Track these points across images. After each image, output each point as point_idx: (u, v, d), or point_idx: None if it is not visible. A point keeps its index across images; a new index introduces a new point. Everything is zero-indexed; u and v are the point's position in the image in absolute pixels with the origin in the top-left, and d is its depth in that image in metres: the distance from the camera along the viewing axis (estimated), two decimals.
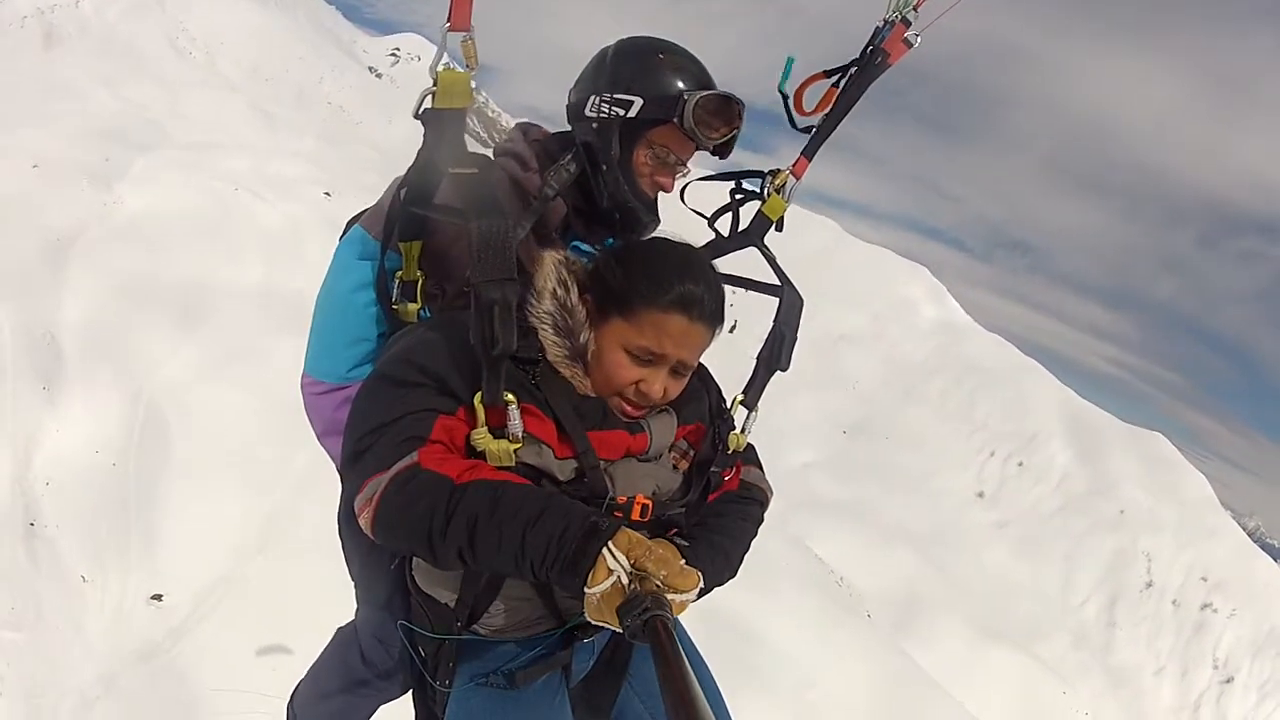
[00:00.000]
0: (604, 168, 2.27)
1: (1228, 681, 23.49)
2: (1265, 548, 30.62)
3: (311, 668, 3.15)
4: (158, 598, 7.08)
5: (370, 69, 32.74)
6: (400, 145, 16.73)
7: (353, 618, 2.88)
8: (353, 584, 2.70)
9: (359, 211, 2.39)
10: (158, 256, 9.88)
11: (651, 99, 2.23)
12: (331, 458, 2.43)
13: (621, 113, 2.23)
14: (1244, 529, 29.94)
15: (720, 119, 2.29)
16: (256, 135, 13.57)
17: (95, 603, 7.03)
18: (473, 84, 1.90)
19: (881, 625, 13.86)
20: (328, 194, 12.66)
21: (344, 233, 2.39)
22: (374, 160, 15.29)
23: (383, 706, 3.02)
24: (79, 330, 8.79)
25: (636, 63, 2.25)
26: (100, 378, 8.52)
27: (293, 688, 3.26)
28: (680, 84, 2.25)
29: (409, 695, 2.51)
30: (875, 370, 24.53)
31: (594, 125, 2.26)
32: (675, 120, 2.27)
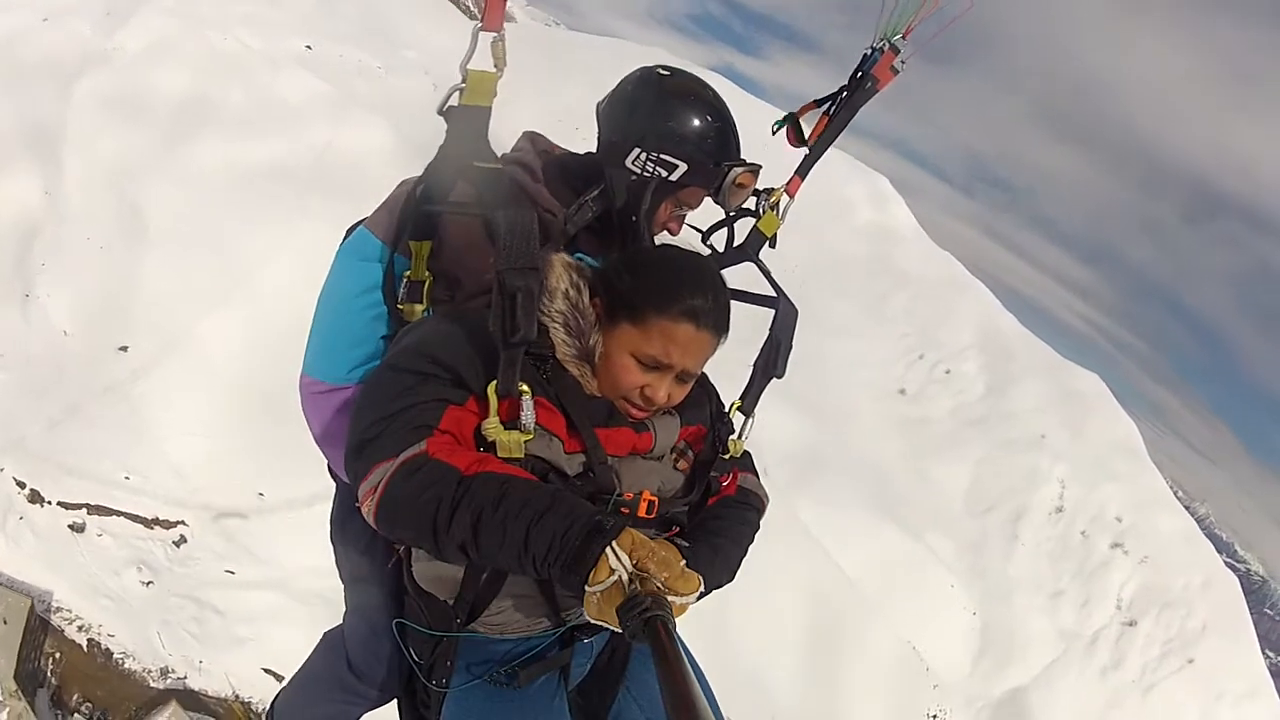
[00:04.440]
0: (633, 219, 2.30)
1: (1130, 624, 23.03)
2: (1212, 538, 29.06)
3: (295, 674, 3.15)
4: (123, 349, 8.53)
5: None
6: (385, 11, 17.51)
7: (340, 623, 2.90)
8: (342, 587, 2.78)
9: (361, 218, 2.39)
10: (150, 88, 11.10)
11: (697, 167, 2.27)
12: (328, 459, 2.49)
13: (665, 174, 2.26)
14: (1193, 514, 28.78)
15: (750, 186, 2.39)
16: None
17: (73, 352, 8.54)
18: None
19: (778, 481, 14.32)
20: (309, 47, 13.72)
21: (347, 234, 2.40)
22: (358, 20, 16.18)
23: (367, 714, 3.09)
24: (77, 141, 10.11)
25: (685, 125, 2.25)
26: (94, 181, 9.85)
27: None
28: (723, 155, 2.31)
29: (394, 703, 2.64)
30: (804, 261, 24.15)
31: (632, 178, 2.27)
32: (712, 191, 2.36)
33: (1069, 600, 24.42)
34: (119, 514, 7.34)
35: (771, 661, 9.94)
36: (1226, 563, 27.37)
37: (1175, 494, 28.02)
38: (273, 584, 7.39)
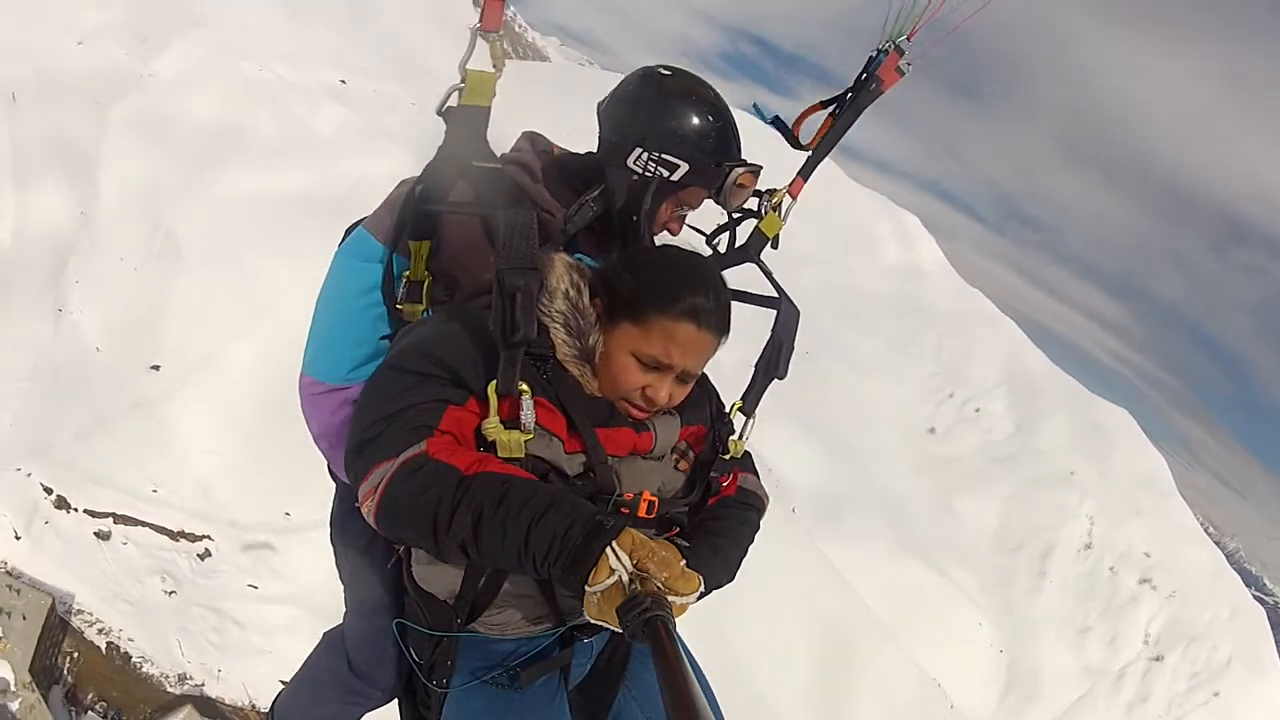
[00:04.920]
0: (634, 219, 2.28)
1: (1157, 659, 22.78)
2: (1241, 572, 28.79)
3: (296, 675, 3.15)
4: (156, 367, 8.70)
5: None
6: (419, 48, 17.82)
7: (339, 622, 2.90)
8: (342, 587, 2.77)
9: (360, 217, 2.41)
10: (184, 115, 11.37)
11: (698, 167, 2.26)
12: (326, 459, 2.50)
13: (666, 174, 2.24)
14: (1224, 549, 28.49)
15: (750, 187, 2.38)
16: (280, 25, 14.69)
17: (104, 368, 8.72)
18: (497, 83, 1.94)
19: (802, 519, 14.12)
20: (343, 81, 13.98)
21: (344, 236, 2.42)
22: (391, 56, 16.46)
23: (368, 715, 3.07)
24: (112, 163, 10.38)
25: (686, 124, 2.25)
26: (128, 203, 10.07)
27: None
28: (725, 155, 2.30)
29: (395, 703, 2.64)
30: (833, 298, 23.66)
31: (633, 178, 2.25)
32: (713, 191, 2.35)
33: (1096, 637, 24.25)
34: (145, 525, 7.46)
35: (787, 698, 9.86)
36: (1255, 596, 27.28)
37: (1206, 530, 27.86)
38: (294, 599, 7.46)
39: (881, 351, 26.00)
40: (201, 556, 7.53)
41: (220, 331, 9.01)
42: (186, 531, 7.58)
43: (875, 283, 27.68)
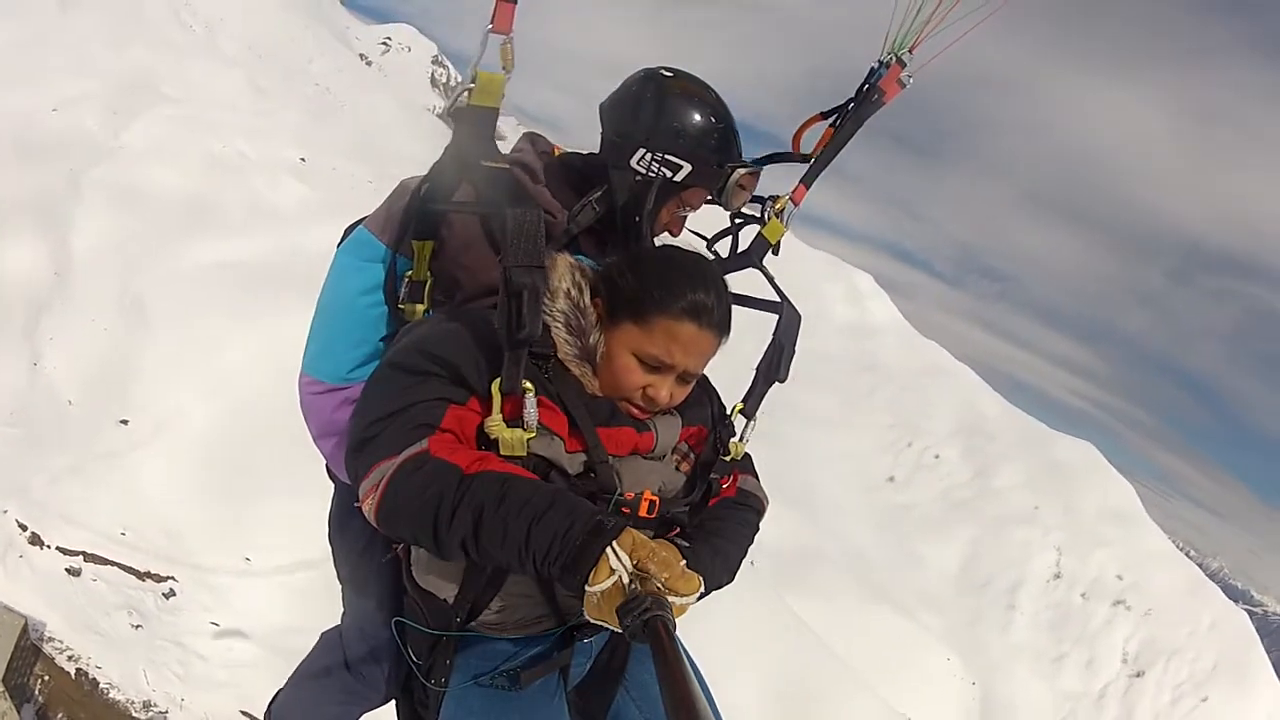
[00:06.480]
0: (636, 219, 2.27)
1: (1137, 675, 22.95)
2: (1227, 588, 29.53)
3: (293, 675, 3.09)
4: (124, 422, 9.13)
5: (361, 55, 32.11)
6: (378, 128, 18.31)
7: (337, 623, 2.87)
8: (340, 586, 2.75)
9: (361, 217, 2.38)
10: (153, 185, 11.98)
11: (701, 168, 2.25)
12: (326, 459, 2.46)
13: (669, 175, 2.24)
14: (1206, 570, 29.10)
15: (750, 189, 2.38)
16: (247, 103, 15.06)
17: (76, 420, 9.23)
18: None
19: (764, 573, 14.14)
20: (303, 159, 14.55)
21: (344, 236, 2.39)
22: (351, 136, 16.85)
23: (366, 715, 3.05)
24: (84, 228, 11.05)
25: (689, 125, 2.25)
26: (99, 266, 10.66)
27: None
28: (726, 155, 2.30)
29: (393, 703, 2.60)
30: (795, 359, 24.43)
31: (636, 178, 2.25)
32: (715, 191, 2.34)
33: (1072, 662, 24.52)
34: (114, 564, 7.86)
35: None
36: (1245, 609, 27.61)
37: (1187, 553, 28.26)
38: (255, 638, 7.80)
39: (838, 408, 26.24)
40: (167, 595, 7.89)
41: (185, 390, 9.48)
42: (152, 572, 7.96)
43: (828, 342, 27.94)
